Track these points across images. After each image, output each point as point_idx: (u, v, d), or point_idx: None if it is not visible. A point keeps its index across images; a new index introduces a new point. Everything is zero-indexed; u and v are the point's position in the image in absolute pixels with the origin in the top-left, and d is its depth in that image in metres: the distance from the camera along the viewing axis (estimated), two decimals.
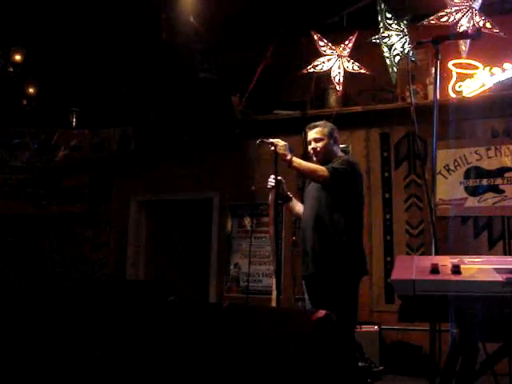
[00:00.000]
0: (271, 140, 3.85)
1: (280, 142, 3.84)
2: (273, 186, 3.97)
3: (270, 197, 4.03)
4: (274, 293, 3.86)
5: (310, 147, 4.08)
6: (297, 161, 3.86)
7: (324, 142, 4.01)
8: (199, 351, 2.23)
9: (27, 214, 7.67)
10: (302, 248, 4.09)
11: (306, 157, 4.15)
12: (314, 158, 4.05)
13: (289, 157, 3.81)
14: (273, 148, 3.83)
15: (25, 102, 7.48)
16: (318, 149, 4.01)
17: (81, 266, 7.60)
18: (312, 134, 4.06)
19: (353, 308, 3.83)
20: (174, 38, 6.60)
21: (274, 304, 3.88)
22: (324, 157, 4.00)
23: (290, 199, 4.23)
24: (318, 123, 4.11)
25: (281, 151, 3.81)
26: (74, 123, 7.81)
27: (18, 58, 7.08)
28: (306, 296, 4.05)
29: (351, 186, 3.91)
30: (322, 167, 3.84)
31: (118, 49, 7.17)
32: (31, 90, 7.52)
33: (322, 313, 2.34)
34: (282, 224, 6.49)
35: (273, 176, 3.97)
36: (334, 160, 3.96)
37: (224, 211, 7.22)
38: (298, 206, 4.24)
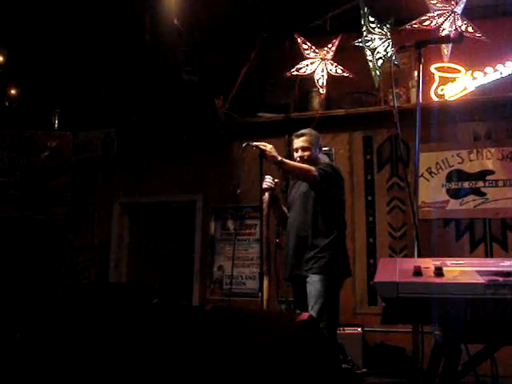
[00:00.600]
0: (257, 143, 3.88)
1: (267, 146, 3.88)
2: (269, 187, 4.04)
3: (265, 197, 4.07)
4: (265, 294, 3.90)
5: (296, 154, 4.17)
6: (287, 162, 3.93)
7: (311, 150, 4.12)
8: (182, 353, 2.22)
9: (8, 217, 7.58)
10: (285, 250, 4.18)
11: (290, 159, 4.19)
12: None
13: (279, 158, 3.86)
14: (259, 151, 3.86)
15: (7, 104, 7.41)
16: (305, 157, 4.11)
17: (63, 268, 7.53)
18: (299, 142, 4.16)
19: (334, 310, 3.87)
20: (158, 39, 6.58)
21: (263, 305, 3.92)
22: (310, 164, 4.06)
23: (277, 201, 4.28)
24: (304, 131, 4.20)
25: (270, 154, 3.84)
26: (56, 125, 7.73)
27: None
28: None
29: (335, 187, 4.01)
30: (312, 167, 3.93)
31: (101, 50, 7.13)
32: (13, 92, 7.44)
33: (305, 315, 2.35)
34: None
35: (269, 176, 4.04)
36: (318, 166, 4.04)
37: (207, 213, 7.19)
38: (281, 209, 4.31)
